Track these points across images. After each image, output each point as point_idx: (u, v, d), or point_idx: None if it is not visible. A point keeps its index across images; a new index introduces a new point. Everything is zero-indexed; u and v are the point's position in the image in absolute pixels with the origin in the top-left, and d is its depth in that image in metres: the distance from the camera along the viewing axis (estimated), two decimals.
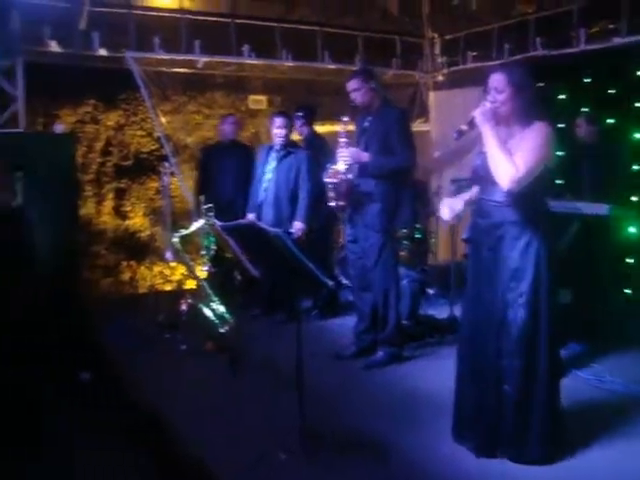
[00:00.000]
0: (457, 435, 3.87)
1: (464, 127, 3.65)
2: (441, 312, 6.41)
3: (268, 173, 6.41)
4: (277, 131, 6.34)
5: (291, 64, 8.92)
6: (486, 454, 3.70)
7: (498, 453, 3.69)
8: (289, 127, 6.43)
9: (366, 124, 5.28)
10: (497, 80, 3.59)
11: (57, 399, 5.15)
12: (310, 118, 6.90)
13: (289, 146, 6.41)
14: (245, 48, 8.59)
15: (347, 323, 6.01)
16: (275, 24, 8.94)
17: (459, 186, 6.14)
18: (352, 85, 5.22)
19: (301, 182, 6.32)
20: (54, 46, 7.69)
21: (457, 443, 3.84)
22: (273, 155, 6.43)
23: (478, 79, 4.03)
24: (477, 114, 3.59)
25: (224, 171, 6.94)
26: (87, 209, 8.43)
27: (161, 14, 8.94)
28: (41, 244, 5.75)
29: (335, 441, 3.92)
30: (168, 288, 8.52)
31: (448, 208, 3.88)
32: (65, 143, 7.24)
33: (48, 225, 6.23)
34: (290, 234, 5.90)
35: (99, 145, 8.67)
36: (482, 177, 3.69)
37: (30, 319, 5.28)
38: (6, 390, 4.95)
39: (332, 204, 5.28)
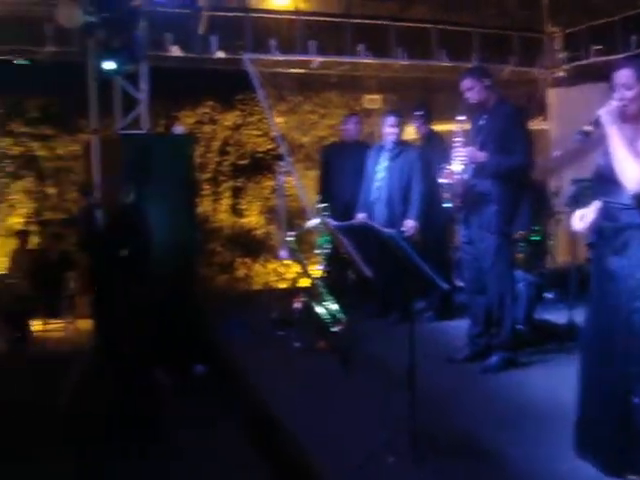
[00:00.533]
0: (580, 449, 3.64)
1: (588, 128, 3.46)
2: (559, 317, 6.17)
3: (380, 172, 6.40)
4: (389, 130, 6.33)
5: (406, 62, 8.86)
6: (613, 472, 3.45)
7: (627, 472, 3.44)
8: (401, 126, 6.39)
9: (481, 123, 5.16)
10: (625, 75, 3.39)
11: (173, 394, 5.33)
12: (428, 117, 6.83)
13: (401, 145, 6.38)
14: (360, 47, 8.59)
15: (461, 325, 5.88)
16: (390, 22, 8.90)
17: (580, 187, 5.91)
18: (466, 84, 5.11)
19: (413, 181, 6.28)
20: (175, 51, 7.95)
21: (579, 458, 3.64)
22: (385, 154, 6.41)
23: (602, 74, 3.84)
24: (603, 113, 3.40)
25: (346, 171, 6.95)
26: (204, 207, 8.68)
27: (277, 16, 9.09)
28: (159, 242, 5.94)
29: (445, 446, 3.85)
30: (282, 286, 8.65)
31: (581, 219, 3.70)
32: (184, 143, 7.48)
33: (167, 223, 6.44)
34: (403, 232, 5.86)
35: (216, 145, 8.92)
36: (606, 178, 3.50)
37: (148, 316, 5.45)
38: (126, 384, 5.17)
39: (447, 205, 5.20)
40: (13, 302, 7.59)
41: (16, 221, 9.56)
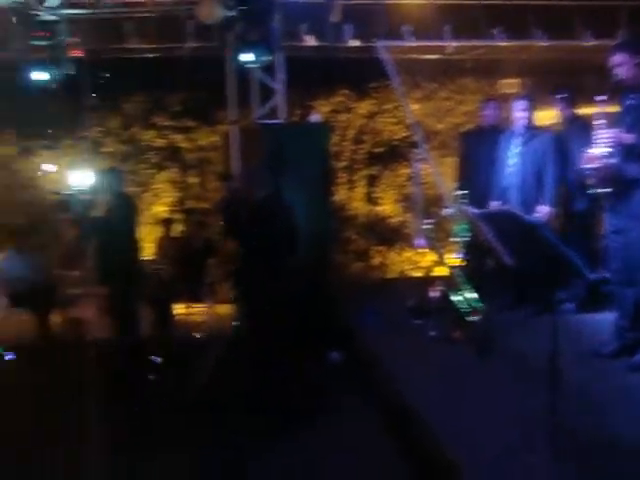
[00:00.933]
0: None
1: None
2: None
3: (512, 158, 6.25)
4: (519, 114, 6.20)
5: (545, 44, 8.53)
6: None
7: None
8: (531, 110, 6.20)
9: (630, 102, 4.87)
10: None
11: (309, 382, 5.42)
12: (572, 100, 6.56)
13: (533, 129, 6.18)
14: (496, 30, 8.36)
15: (607, 319, 5.60)
16: (527, 2, 8.61)
17: None
18: (616, 60, 4.83)
19: (547, 165, 6.08)
20: (309, 40, 8.06)
21: None
22: (517, 139, 6.24)
23: None
24: None
25: (485, 157, 6.80)
26: (339, 195, 8.76)
27: (410, 1, 9.00)
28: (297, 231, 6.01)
29: (587, 442, 3.69)
30: (417, 274, 8.59)
31: None
32: (320, 132, 7.54)
33: (303, 212, 6.51)
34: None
35: (351, 133, 8.97)
36: None
37: (285, 309, 5.53)
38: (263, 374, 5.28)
39: (592, 191, 4.95)
40: (159, 287, 7.95)
41: (161, 209, 10.05)
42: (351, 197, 8.93)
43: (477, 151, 6.93)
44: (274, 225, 5.49)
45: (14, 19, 7.86)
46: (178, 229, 9.32)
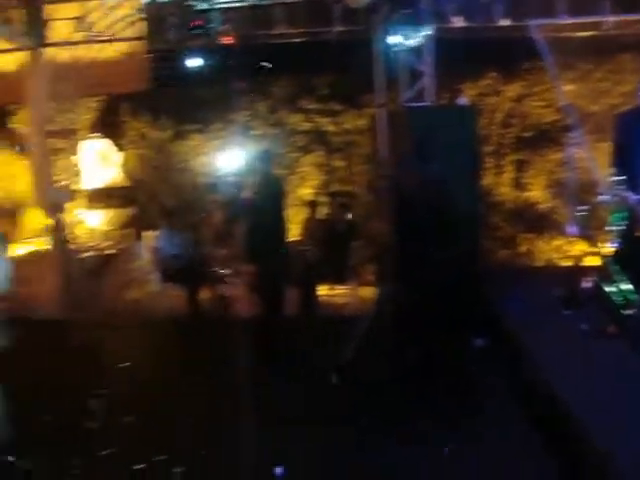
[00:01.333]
0: None
1: None
2: None
3: None
4: None
5: None
6: None
7: None
8: None
9: None
10: None
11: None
12: None
13: None
14: None
15: None
16: None
17: None
18: None
19: None
20: (457, 21, 7.90)
21: None
22: None
23: None
24: None
25: None
26: (486, 180, 8.57)
27: None
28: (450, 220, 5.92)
29: None
30: (566, 263, 8.28)
31: None
32: (467, 115, 7.39)
33: (452, 196, 6.41)
34: None
35: (499, 117, 8.74)
36: None
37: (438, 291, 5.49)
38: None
39: None
40: (304, 268, 8.10)
41: (306, 192, 10.23)
42: (498, 182, 8.73)
43: (635, 134, 6.55)
44: (429, 213, 5.43)
45: (171, 10, 8.23)
46: (323, 212, 9.44)
